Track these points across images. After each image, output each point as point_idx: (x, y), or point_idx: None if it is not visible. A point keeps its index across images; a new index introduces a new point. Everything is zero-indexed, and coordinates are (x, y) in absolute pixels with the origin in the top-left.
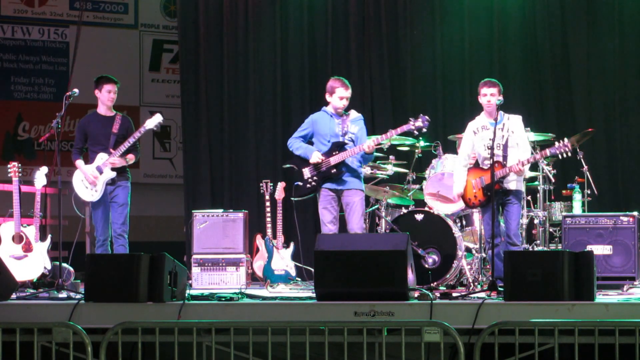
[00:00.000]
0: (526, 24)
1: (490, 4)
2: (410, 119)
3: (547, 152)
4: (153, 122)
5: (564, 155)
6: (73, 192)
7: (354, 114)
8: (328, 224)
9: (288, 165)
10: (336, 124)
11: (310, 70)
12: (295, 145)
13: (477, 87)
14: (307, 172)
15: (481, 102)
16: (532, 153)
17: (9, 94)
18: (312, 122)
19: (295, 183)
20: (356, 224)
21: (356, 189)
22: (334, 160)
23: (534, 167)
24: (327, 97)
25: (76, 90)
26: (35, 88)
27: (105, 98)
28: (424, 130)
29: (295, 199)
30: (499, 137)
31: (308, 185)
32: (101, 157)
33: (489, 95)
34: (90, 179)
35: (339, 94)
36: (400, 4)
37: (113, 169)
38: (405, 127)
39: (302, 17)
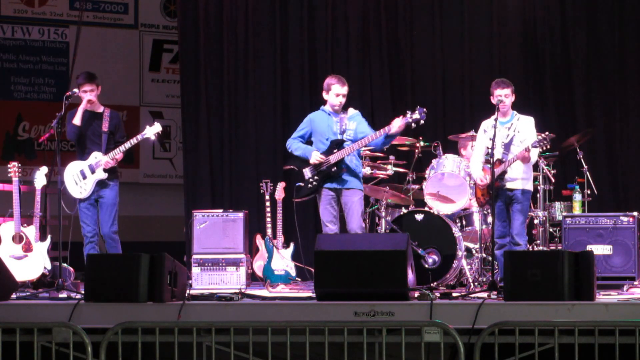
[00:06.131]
0: (526, 23)
1: (490, 4)
2: (407, 111)
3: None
4: (152, 131)
5: (544, 148)
6: (62, 186)
7: (351, 111)
8: (328, 224)
9: (288, 167)
10: (334, 122)
11: (311, 70)
12: (294, 145)
13: (478, 87)
14: (307, 173)
15: (494, 102)
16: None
17: (9, 94)
18: (310, 121)
19: (297, 184)
20: (355, 223)
21: (355, 188)
22: (334, 158)
23: (535, 167)
24: (324, 95)
25: (76, 90)
26: (35, 88)
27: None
28: (422, 122)
29: (297, 200)
30: (504, 135)
31: (309, 186)
32: (95, 156)
33: (503, 96)
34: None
35: (335, 90)
36: (400, 4)
37: (105, 170)
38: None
39: (302, 17)
